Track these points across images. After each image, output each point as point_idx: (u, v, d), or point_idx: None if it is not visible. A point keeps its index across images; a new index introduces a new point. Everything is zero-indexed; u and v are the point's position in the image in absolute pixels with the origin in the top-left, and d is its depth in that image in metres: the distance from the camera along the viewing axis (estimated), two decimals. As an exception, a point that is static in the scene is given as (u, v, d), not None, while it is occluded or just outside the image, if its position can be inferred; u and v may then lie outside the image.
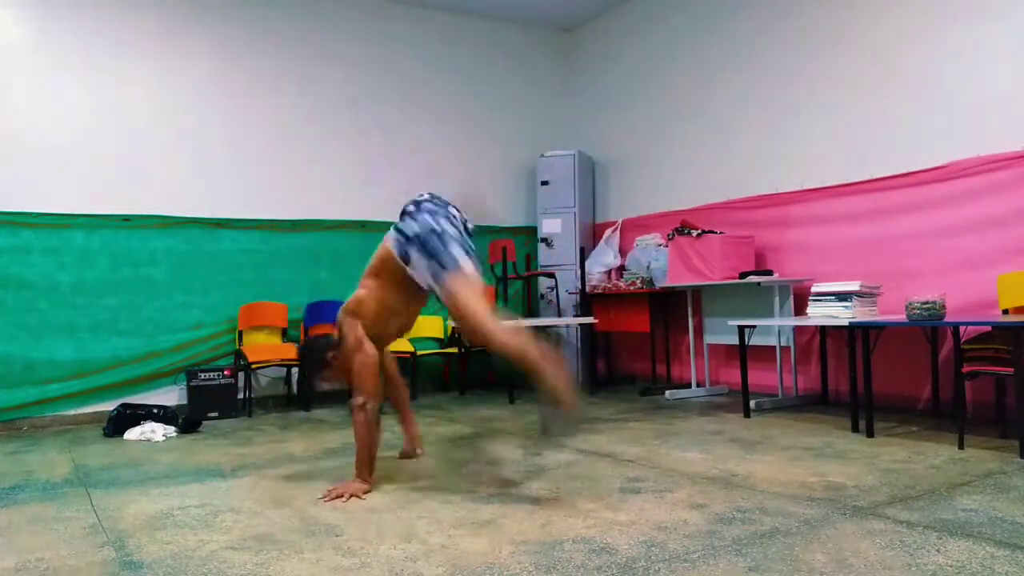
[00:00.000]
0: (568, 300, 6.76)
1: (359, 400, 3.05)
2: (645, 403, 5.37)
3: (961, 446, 3.46)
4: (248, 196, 5.93)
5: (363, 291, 3.17)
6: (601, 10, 7.07)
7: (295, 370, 5.78)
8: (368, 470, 3.04)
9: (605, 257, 6.69)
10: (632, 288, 6.07)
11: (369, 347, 3.10)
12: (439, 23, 6.87)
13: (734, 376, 5.46)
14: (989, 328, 3.60)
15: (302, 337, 5.89)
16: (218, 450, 4.11)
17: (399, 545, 2.35)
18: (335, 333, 3.20)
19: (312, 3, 6.31)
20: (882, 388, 4.43)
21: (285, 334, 5.90)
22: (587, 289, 6.29)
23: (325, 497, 2.93)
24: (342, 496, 2.91)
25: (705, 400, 5.44)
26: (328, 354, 3.19)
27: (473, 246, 3.11)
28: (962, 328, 3.70)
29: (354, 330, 3.10)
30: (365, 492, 2.97)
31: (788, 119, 5.41)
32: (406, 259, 3.03)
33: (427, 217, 3.01)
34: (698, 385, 5.78)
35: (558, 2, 6.89)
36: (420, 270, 3.00)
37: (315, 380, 3.42)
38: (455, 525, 2.54)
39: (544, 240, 6.95)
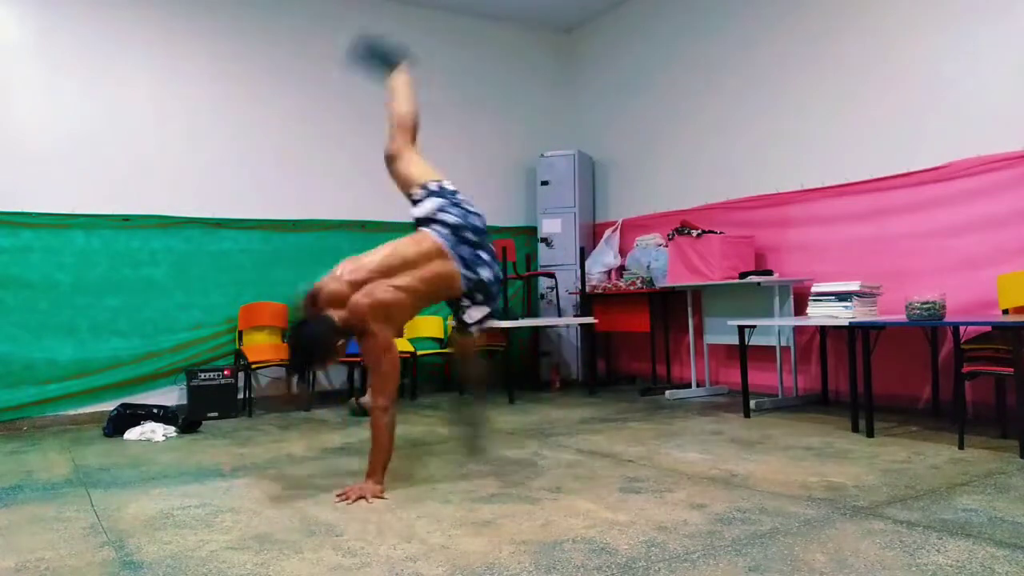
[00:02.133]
0: (568, 300, 6.76)
1: (384, 403, 2.96)
2: (645, 403, 5.37)
3: (961, 446, 3.46)
4: (248, 196, 5.92)
5: (401, 294, 2.99)
6: (601, 10, 7.07)
7: (295, 370, 5.78)
8: (384, 472, 2.99)
9: (605, 257, 6.69)
10: (632, 288, 6.08)
11: (395, 350, 3.03)
12: (439, 23, 6.86)
13: (734, 376, 5.46)
14: (989, 328, 3.60)
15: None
16: (218, 450, 4.11)
17: (399, 545, 2.35)
18: (332, 313, 2.98)
19: (311, 3, 6.31)
20: (882, 388, 4.43)
21: (285, 334, 5.90)
22: (587, 289, 6.30)
23: (342, 498, 2.87)
24: (362, 498, 2.86)
25: (705, 400, 5.44)
26: (337, 342, 3.02)
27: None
28: (962, 328, 3.70)
29: (384, 331, 2.96)
30: (381, 493, 2.92)
31: (788, 119, 5.41)
32: (468, 265, 3.10)
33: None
34: (698, 385, 5.78)
35: (558, 2, 6.89)
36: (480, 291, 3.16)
37: (318, 367, 3.21)
38: (455, 525, 2.54)
39: (544, 240, 6.96)
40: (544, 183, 6.99)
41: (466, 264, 3.11)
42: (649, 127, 6.63)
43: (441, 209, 3.19)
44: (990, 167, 4.21)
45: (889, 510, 2.54)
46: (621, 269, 6.56)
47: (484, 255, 3.18)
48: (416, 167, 3.38)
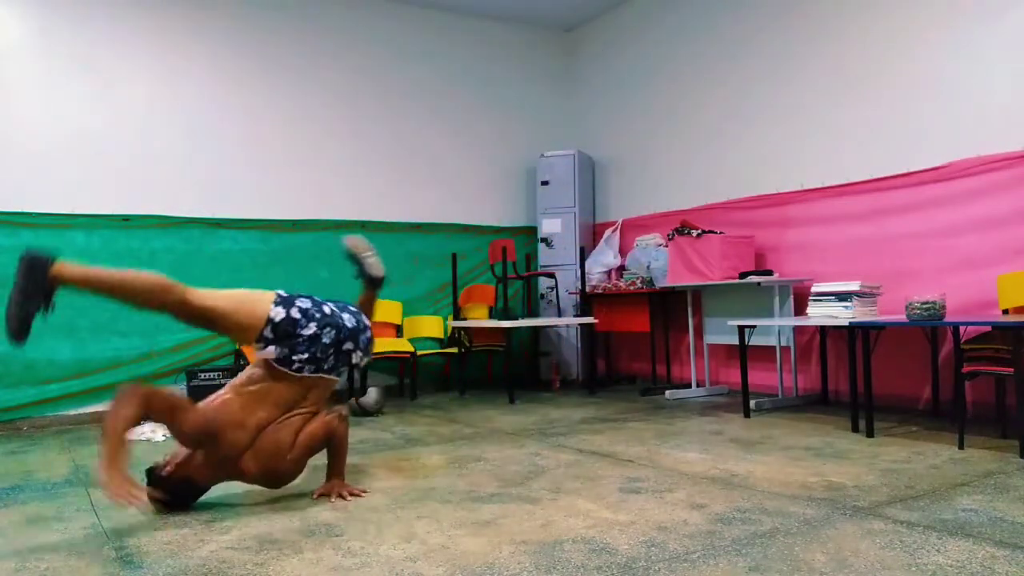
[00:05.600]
0: (568, 300, 6.76)
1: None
2: (645, 403, 5.37)
3: (961, 446, 3.46)
4: (248, 196, 5.93)
5: None
6: (601, 10, 7.07)
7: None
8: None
9: (605, 257, 6.69)
10: (632, 288, 6.08)
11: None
12: (439, 23, 6.87)
13: (734, 376, 5.46)
14: (989, 328, 3.60)
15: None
16: (218, 450, 4.10)
17: (399, 545, 2.36)
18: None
19: (312, 3, 6.31)
20: (882, 388, 4.43)
21: (285, 334, 5.89)
22: (587, 289, 6.30)
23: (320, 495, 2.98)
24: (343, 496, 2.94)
25: (705, 400, 5.44)
26: None
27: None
28: (962, 328, 3.70)
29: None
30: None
31: (788, 119, 5.41)
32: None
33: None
34: (698, 385, 5.78)
35: (558, 2, 6.90)
36: None
37: None
38: (455, 525, 2.54)
39: (544, 240, 6.96)
40: (544, 183, 6.99)
41: None
42: (649, 127, 6.64)
43: None
44: (990, 167, 4.21)
45: (889, 510, 2.54)
46: (621, 269, 6.56)
47: None
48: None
